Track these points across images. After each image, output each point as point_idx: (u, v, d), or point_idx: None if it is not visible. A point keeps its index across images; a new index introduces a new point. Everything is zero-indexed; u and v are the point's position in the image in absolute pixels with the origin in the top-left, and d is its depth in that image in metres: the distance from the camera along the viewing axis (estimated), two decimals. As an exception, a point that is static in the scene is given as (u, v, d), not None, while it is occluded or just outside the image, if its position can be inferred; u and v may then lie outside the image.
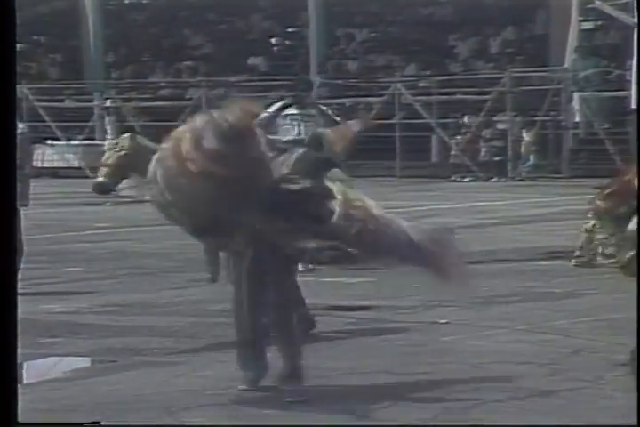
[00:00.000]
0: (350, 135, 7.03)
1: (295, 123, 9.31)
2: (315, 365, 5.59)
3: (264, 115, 9.23)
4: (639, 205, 5.39)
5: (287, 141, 9.03)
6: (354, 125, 7.80)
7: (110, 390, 5.30)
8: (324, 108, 9.77)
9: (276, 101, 9.57)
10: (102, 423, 4.15)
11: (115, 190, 6.72)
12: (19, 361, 6.20)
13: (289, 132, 9.25)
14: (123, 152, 6.42)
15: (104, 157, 6.55)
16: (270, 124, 9.11)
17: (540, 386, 5.23)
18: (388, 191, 18.83)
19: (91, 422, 4.15)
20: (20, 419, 4.69)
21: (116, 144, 6.52)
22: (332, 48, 26.65)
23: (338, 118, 9.69)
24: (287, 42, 28.61)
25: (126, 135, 6.65)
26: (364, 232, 4.94)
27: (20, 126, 8.44)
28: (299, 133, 9.23)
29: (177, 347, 6.26)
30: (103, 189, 6.55)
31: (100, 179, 6.47)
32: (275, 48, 28.65)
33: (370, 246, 5.01)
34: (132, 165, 6.30)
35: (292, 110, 9.32)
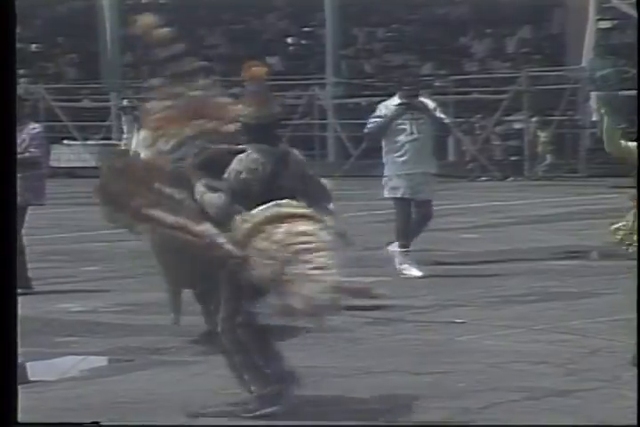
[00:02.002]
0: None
1: (407, 122, 8.72)
2: (331, 364, 5.59)
3: (377, 120, 8.67)
4: (639, 205, 5.38)
5: (403, 142, 8.66)
6: None
7: (127, 390, 5.31)
8: (432, 105, 8.94)
9: (386, 99, 8.92)
10: (102, 423, 4.15)
11: None
12: (36, 360, 6.23)
13: (402, 131, 8.71)
14: None
15: None
16: (386, 129, 8.69)
17: (557, 386, 5.22)
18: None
19: (90, 422, 4.16)
20: (39, 418, 4.71)
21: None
22: (348, 48, 26.64)
23: (446, 121, 8.97)
24: (303, 41, 28.62)
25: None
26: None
27: (36, 126, 8.46)
28: (411, 133, 8.70)
29: (194, 346, 6.27)
30: None
31: None
32: (290, 48, 28.67)
33: None
34: None
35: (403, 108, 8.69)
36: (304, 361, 5.65)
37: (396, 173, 8.80)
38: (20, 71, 28.85)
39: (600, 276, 8.54)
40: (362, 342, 6.35)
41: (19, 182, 8.19)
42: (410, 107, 8.70)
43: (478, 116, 22.16)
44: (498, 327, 6.69)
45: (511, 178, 21.36)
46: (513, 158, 21.87)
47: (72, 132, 24.44)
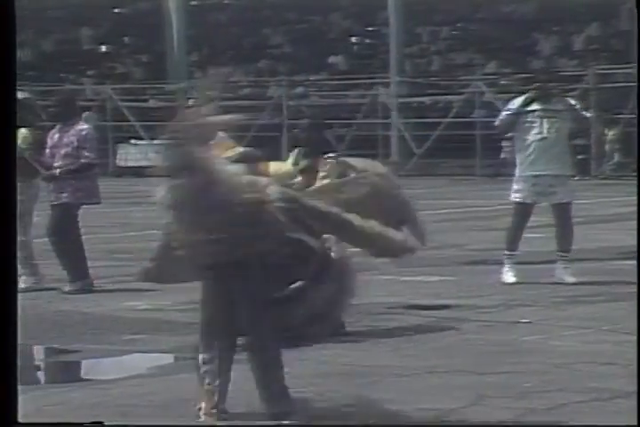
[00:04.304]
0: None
1: (537, 120, 8.26)
2: (395, 363, 5.58)
3: (506, 113, 8.33)
4: (639, 202, 5.30)
5: (531, 141, 8.29)
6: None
7: (193, 387, 5.35)
8: (573, 101, 8.55)
9: (519, 95, 8.55)
10: (105, 424, 4.19)
11: None
12: (103, 357, 6.31)
13: (531, 130, 8.31)
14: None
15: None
16: (513, 123, 8.34)
17: (624, 387, 5.15)
18: (467, 190, 18.67)
19: (91, 423, 4.19)
20: (105, 414, 4.77)
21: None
22: (412, 46, 26.58)
23: (588, 114, 8.51)
24: (367, 40, 28.66)
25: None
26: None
27: (85, 127, 8.38)
28: (540, 132, 8.27)
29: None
30: None
31: None
32: (354, 47, 28.71)
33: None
34: None
35: (535, 105, 8.27)
36: (366, 361, 5.64)
37: (522, 174, 8.45)
38: (88, 72, 29.26)
39: (669, 276, 8.41)
40: (426, 342, 6.33)
41: (70, 182, 8.26)
42: (539, 96, 8.24)
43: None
44: (564, 328, 6.63)
45: (577, 177, 21.13)
46: (580, 157, 21.62)
47: (139, 132, 24.72)
